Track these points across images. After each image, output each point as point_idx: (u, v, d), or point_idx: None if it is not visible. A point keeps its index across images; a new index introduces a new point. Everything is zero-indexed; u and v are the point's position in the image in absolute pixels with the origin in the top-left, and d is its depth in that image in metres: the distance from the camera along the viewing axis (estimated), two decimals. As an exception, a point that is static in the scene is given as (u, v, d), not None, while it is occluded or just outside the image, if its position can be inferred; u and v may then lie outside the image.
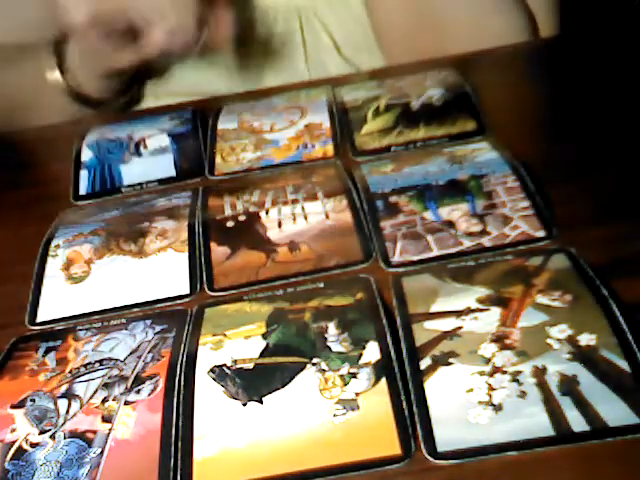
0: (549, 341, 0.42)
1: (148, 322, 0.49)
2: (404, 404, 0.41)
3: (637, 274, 0.47)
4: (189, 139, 0.68)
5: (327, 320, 0.46)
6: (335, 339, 0.45)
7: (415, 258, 0.51)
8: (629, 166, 0.56)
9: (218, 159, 0.65)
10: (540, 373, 0.41)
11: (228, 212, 0.58)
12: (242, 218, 0.57)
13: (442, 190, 0.56)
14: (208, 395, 0.43)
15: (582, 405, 0.39)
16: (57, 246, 0.57)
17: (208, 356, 0.45)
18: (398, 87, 0.69)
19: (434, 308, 0.46)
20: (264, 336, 0.46)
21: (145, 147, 0.68)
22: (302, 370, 0.43)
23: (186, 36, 0.65)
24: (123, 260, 0.55)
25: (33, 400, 0.45)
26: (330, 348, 0.44)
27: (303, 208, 0.57)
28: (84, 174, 0.66)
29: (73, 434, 0.42)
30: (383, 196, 0.56)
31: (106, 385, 0.45)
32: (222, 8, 0.66)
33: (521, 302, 0.45)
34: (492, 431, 0.39)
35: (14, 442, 0.42)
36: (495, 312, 0.45)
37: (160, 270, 0.54)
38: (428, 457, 0.38)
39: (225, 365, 0.45)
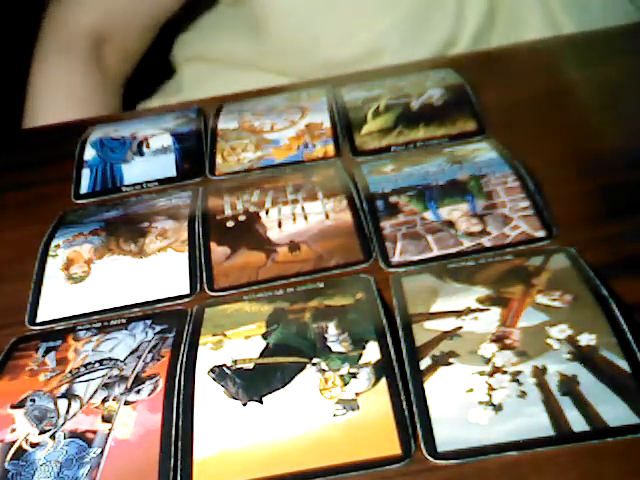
0: (549, 341, 0.42)
1: (148, 322, 0.49)
2: (404, 404, 0.41)
3: (637, 274, 0.47)
4: (192, 139, 0.68)
5: (327, 320, 0.46)
6: (335, 339, 0.45)
7: (415, 258, 0.51)
8: (629, 165, 0.56)
9: (219, 159, 0.65)
10: (540, 373, 0.41)
11: (228, 212, 0.58)
12: (242, 218, 0.57)
13: (442, 190, 0.56)
14: (208, 395, 0.43)
15: (582, 405, 0.39)
16: (57, 246, 0.57)
17: (208, 356, 0.45)
18: (398, 87, 0.69)
19: (434, 308, 0.46)
20: (264, 336, 0.46)
21: (148, 146, 0.68)
22: (302, 370, 0.43)
23: None
24: (123, 260, 0.55)
25: (33, 400, 0.45)
26: (330, 348, 0.44)
27: (303, 208, 0.57)
28: (86, 173, 0.66)
29: (73, 434, 0.42)
30: (383, 196, 0.56)
31: (106, 385, 0.45)
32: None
33: (521, 302, 0.45)
34: (492, 431, 0.39)
35: (14, 442, 0.42)
36: (495, 312, 0.45)
37: (160, 270, 0.54)
38: (428, 457, 0.38)
39: (225, 365, 0.45)
